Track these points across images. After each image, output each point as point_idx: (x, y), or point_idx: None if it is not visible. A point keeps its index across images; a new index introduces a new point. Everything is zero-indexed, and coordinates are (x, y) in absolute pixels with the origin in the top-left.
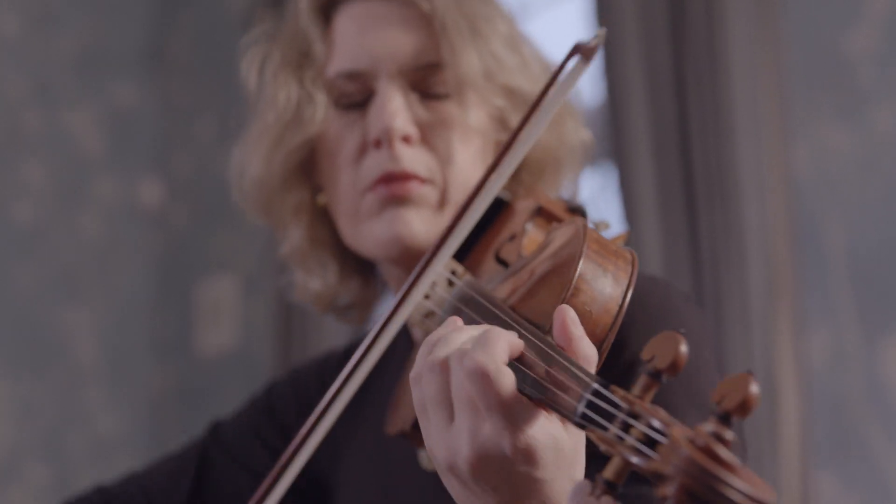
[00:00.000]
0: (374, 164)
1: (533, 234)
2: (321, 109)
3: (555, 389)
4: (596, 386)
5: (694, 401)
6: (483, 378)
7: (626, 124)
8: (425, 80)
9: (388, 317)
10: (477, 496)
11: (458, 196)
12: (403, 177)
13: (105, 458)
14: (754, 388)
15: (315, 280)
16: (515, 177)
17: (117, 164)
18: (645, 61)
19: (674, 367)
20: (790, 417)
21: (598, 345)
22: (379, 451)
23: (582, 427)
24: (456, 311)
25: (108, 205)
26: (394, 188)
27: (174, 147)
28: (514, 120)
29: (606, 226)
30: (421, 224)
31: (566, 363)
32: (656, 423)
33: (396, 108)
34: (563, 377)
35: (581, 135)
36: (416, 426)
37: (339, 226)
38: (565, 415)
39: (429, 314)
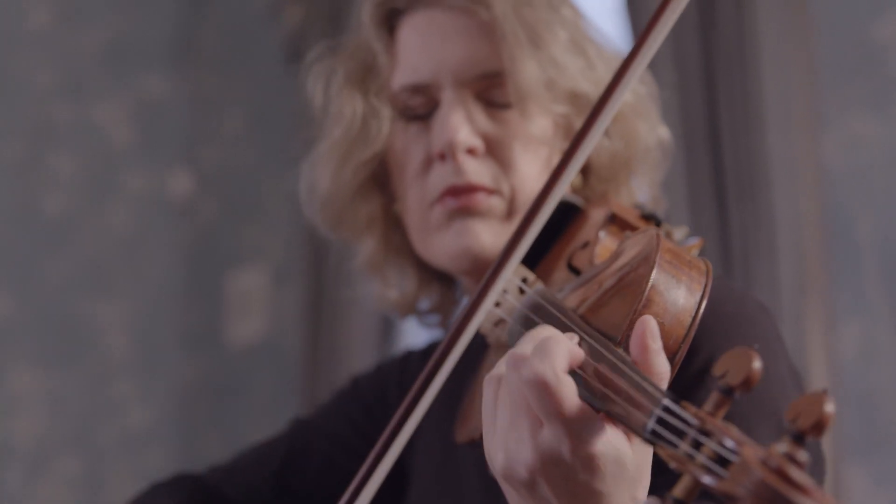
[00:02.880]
0: (440, 177)
1: (606, 242)
2: (386, 123)
3: (623, 403)
4: (666, 402)
5: (767, 415)
6: (542, 386)
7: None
8: (489, 90)
9: (459, 326)
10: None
11: (525, 206)
12: (469, 189)
13: (135, 449)
14: (829, 408)
15: (393, 288)
16: (587, 183)
17: (146, 156)
18: (673, 51)
19: (747, 383)
20: None
21: (671, 357)
22: (447, 455)
23: (651, 443)
24: (525, 320)
25: (137, 197)
26: (461, 200)
27: (203, 139)
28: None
29: (686, 232)
30: (489, 235)
31: (636, 377)
32: (728, 442)
33: (459, 121)
34: (633, 391)
35: (656, 135)
36: None
37: (410, 237)
38: (634, 429)
39: (499, 322)
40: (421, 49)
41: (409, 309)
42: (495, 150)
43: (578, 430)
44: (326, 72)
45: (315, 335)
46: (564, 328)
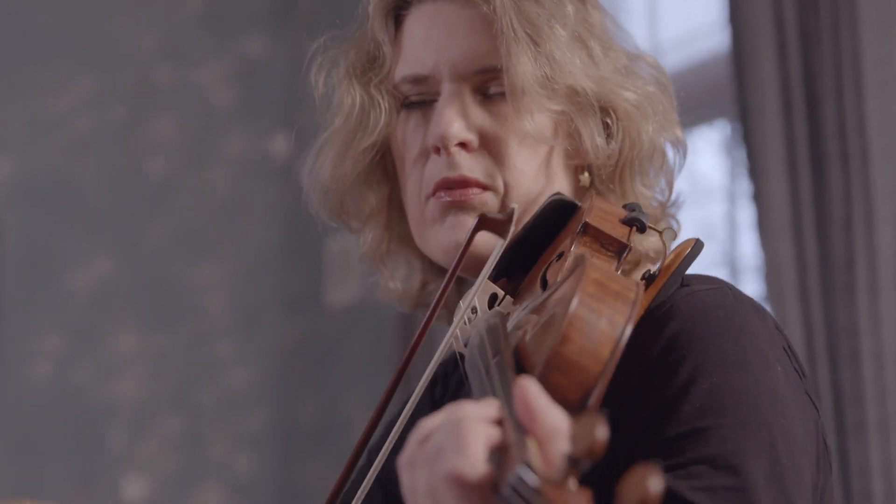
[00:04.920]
0: (435, 170)
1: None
2: (385, 113)
3: (501, 467)
4: (520, 470)
5: (755, 428)
6: (462, 483)
7: (752, 77)
8: (487, 85)
9: (413, 345)
10: None
11: (519, 202)
12: (462, 183)
13: (235, 410)
14: (655, 486)
15: (397, 279)
16: (593, 183)
17: (247, 118)
18: (772, 12)
19: (590, 454)
20: None
21: (586, 394)
22: None
23: None
24: (480, 346)
25: (237, 159)
26: (453, 195)
27: (303, 101)
28: (582, 123)
29: (673, 234)
30: (483, 231)
31: (517, 439)
32: None
33: (453, 115)
34: (508, 456)
35: (667, 136)
36: None
37: (411, 230)
38: (497, 492)
39: (467, 343)
40: (424, 41)
41: (415, 302)
42: (490, 146)
43: None
44: (330, 61)
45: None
46: (499, 368)
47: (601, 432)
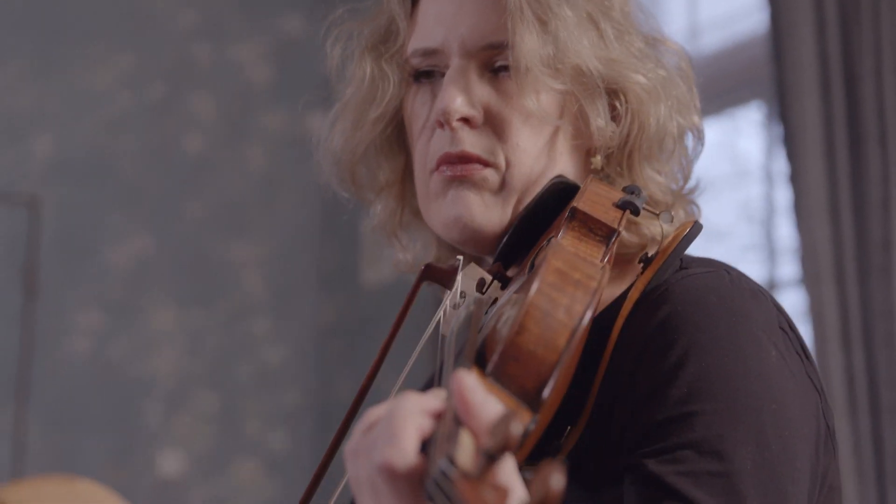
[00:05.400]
0: (438, 144)
1: (563, 241)
2: (394, 86)
3: (430, 461)
4: (441, 464)
5: (743, 413)
6: (392, 472)
7: (791, 57)
8: (493, 61)
9: (397, 321)
10: None
11: (520, 181)
12: (463, 159)
13: (271, 386)
14: (556, 483)
15: (409, 251)
16: (604, 167)
17: (284, 96)
18: None
19: (504, 448)
20: None
21: (541, 385)
22: None
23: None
24: (461, 331)
25: (275, 137)
26: (454, 170)
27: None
28: (588, 104)
29: (670, 217)
30: (481, 207)
31: (445, 432)
32: None
33: (457, 90)
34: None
35: (682, 122)
36: None
37: (418, 202)
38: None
39: (452, 328)
40: (436, 16)
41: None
42: (494, 123)
43: None
44: (346, 34)
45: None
46: (449, 360)
47: (515, 427)
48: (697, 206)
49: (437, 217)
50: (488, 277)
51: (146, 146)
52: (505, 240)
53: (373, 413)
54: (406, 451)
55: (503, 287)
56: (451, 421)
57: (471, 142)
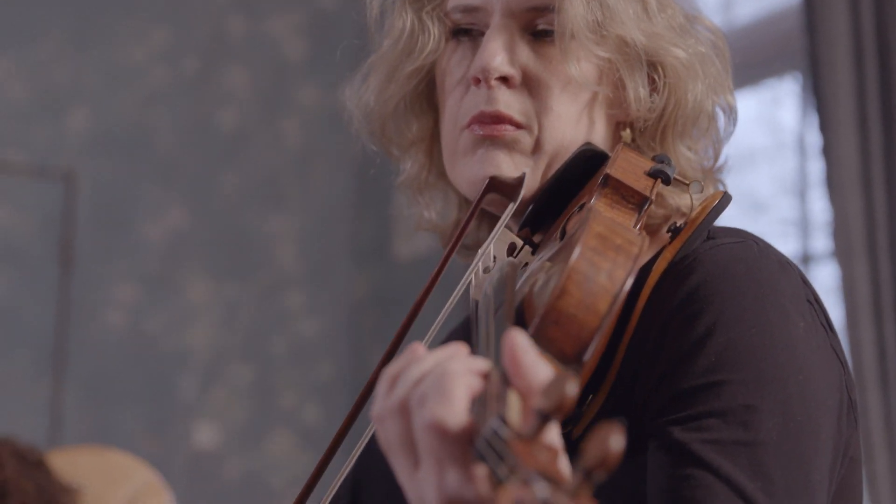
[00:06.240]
0: (472, 102)
1: (596, 207)
2: (433, 40)
3: (480, 421)
4: (493, 424)
5: (769, 382)
6: (443, 432)
7: (824, 29)
8: (536, 24)
9: (427, 288)
10: None
11: (552, 146)
12: (497, 118)
13: (305, 359)
14: (615, 445)
15: (433, 211)
16: (635, 140)
17: (319, 70)
18: None
19: (559, 410)
20: None
21: (583, 349)
22: None
23: (480, 459)
24: (496, 295)
25: (309, 111)
26: (486, 129)
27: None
28: (627, 75)
29: (700, 187)
30: (511, 168)
31: (500, 393)
32: (535, 481)
33: (497, 48)
34: (487, 408)
35: (717, 100)
36: None
37: (444, 160)
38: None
39: (486, 291)
40: None
41: (448, 237)
42: (532, 85)
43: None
44: None
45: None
46: (501, 318)
47: (570, 388)
48: (724, 185)
49: (463, 175)
50: (519, 242)
51: (182, 120)
52: (533, 205)
53: (389, 371)
54: (457, 410)
55: (533, 253)
56: (498, 381)
57: (506, 102)
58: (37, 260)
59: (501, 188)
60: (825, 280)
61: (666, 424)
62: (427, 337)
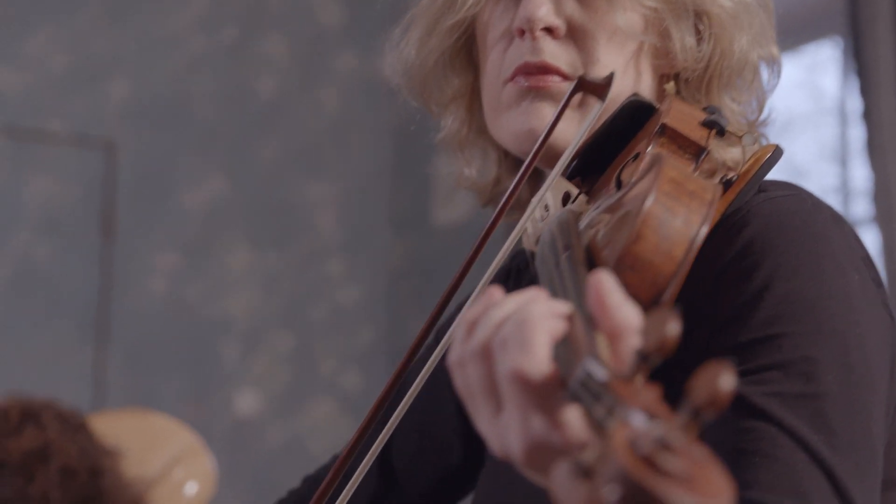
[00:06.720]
0: (516, 53)
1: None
2: None
3: (570, 362)
4: (588, 365)
5: (824, 337)
6: (525, 381)
7: None
8: None
9: (482, 239)
10: (539, 480)
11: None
12: (543, 69)
13: (344, 326)
14: (726, 384)
15: (473, 168)
16: (679, 92)
17: (357, 37)
18: None
19: (661, 349)
20: None
21: (659, 295)
22: None
23: (575, 401)
24: (552, 243)
25: (347, 79)
26: (532, 80)
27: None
28: (674, 24)
29: (755, 137)
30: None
31: (586, 334)
32: (635, 417)
33: None
34: (576, 349)
35: (762, 52)
36: None
37: (485, 115)
38: (564, 387)
39: (538, 240)
40: None
41: (487, 195)
42: (578, 36)
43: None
44: None
45: (519, 215)
46: (570, 264)
47: (673, 328)
48: (767, 140)
49: (507, 128)
50: (574, 191)
51: (220, 89)
52: (581, 155)
53: (468, 315)
54: (539, 358)
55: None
56: (582, 323)
57: (552, 53)
58: (79, 229)
59: (590, 87)
60: (866, 246)
61: None
62: (473, 295)
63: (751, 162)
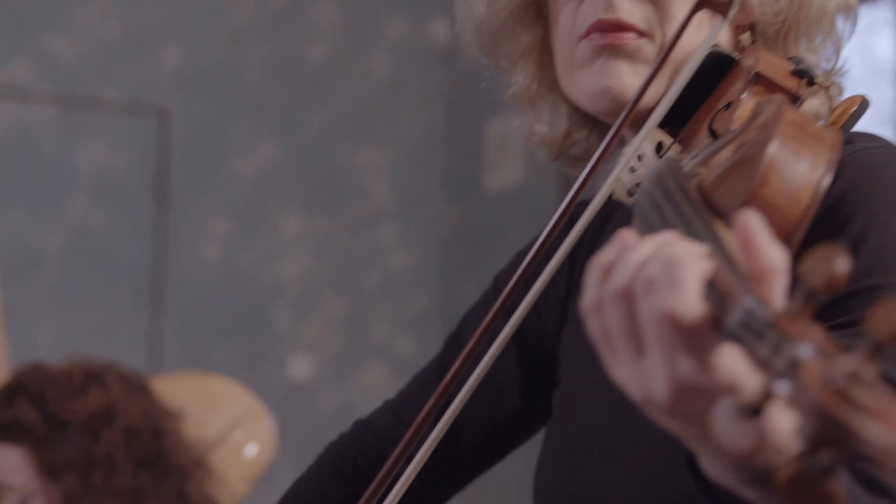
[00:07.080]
0: (590, 10)
1: (748, 105)
2: None
3: (719, 302)
4: (748, 300)
5: None
6: (676, 323)
7: None
8: None
9: (579, 185)
10: (677, 426)
11: (676, 53)
12: (618, 26)
13: (396, 292)
14: None
15: (544, 124)
16: (755, 42)
17: (407, 3)
18: None
19: (829, 286)
20: None
21: (787, 238)
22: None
23: (734, 341)
24: (650, 193)
25: (398, 44)
26: (607, 38)
27: None
28: None
29: (840, 89)
30: (633, 78)
31: (733, 274)
32: (804, 351)
33: None
34: (728, 288)
35: (836, 2)
36: None
37: (557, 72)
38: (720, 327)
39: (632, 191)
40: None
41: (557, 149)
42: None
43: (717, 353)
44: None
45: (571, 179)
46: (681, 210)
47: (841, 264)
48: (842, 90)
49: (581, 86)
50: (668, 140)
51: (271, 55)
52: (670, 106)
53: (601, 259)
54: (692, 298)
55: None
56: (725, 264)
57: (627, 9)
58: (133, 196)
59: (711, 4)
60: None
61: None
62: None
63: (838, 112)
